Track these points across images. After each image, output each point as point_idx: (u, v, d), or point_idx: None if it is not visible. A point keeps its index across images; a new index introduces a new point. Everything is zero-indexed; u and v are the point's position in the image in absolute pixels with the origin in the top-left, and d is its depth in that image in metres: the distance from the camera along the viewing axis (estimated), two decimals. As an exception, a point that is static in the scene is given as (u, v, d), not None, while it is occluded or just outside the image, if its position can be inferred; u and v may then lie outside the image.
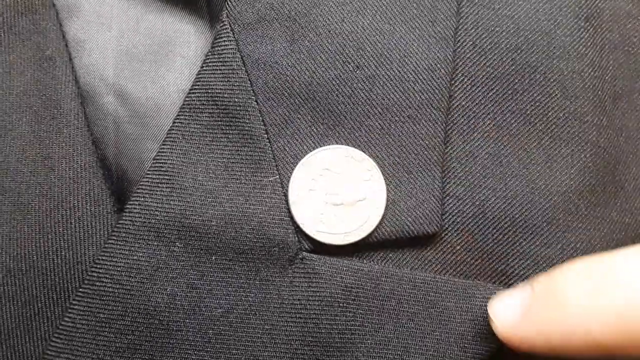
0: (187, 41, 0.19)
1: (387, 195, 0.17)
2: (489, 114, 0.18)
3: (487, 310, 0.17)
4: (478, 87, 0.18)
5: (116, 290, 0.16)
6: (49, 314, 0.17)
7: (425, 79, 0.17)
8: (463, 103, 0.18)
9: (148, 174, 0.17)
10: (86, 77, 0.19)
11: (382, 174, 0.17)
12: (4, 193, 0.17)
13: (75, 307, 0.16)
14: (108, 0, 0.20)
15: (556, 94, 0.17)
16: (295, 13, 0.18)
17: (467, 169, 0.18)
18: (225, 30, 0.17)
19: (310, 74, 0.17)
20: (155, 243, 0.17)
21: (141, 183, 0.17)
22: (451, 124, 0.18)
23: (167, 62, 0.19)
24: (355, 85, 0.17)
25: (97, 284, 0.16)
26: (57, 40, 0.18)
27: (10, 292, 0.17)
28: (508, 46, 0.18)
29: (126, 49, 0.19)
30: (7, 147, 0.17)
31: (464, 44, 0.18)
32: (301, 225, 0.17)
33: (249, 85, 0.17)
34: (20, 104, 0.18)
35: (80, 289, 0.17)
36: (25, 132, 0.18)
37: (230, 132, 0.17)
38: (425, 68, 0.17)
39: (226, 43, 0.17)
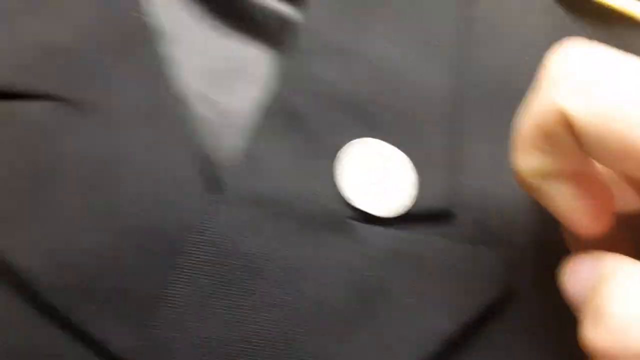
0: (256, 62, 0.24)
1: (416, 180, 0.22)
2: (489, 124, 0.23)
3: (491, 268, 0.21)
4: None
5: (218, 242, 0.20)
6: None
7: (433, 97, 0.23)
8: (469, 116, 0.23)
9: (243, 160, 0.21)
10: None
11: (411, 163, 0.22)
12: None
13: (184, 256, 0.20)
14: (184, 24, 0.24)
15: None
16: (346, 45, 0.23)
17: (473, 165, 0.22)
18: (299, 55, 0.23)
19: (356, 88, 0.23)
20: (247, 209, 0.20)
21: (235, 167, 0.21)
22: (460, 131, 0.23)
23: (240, 79, 0.24)
24: (386, 98, 0.23)
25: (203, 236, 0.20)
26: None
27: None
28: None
29: (200, 67, 0.24)
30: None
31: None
32: (348, 200, 0.21)
33: (314, 96, 0.22)
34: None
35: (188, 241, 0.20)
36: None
37: (298, 131, 0.22)
38: (433, 87, 0.23)
39: (298, 64, 0.23)
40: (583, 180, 0.18)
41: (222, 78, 0.24)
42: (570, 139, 0.16)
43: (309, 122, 0.22)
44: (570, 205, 0.18)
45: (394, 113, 0.23)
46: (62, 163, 0.20)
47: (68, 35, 0.22)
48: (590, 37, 0.21)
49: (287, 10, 0.24)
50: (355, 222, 0.21)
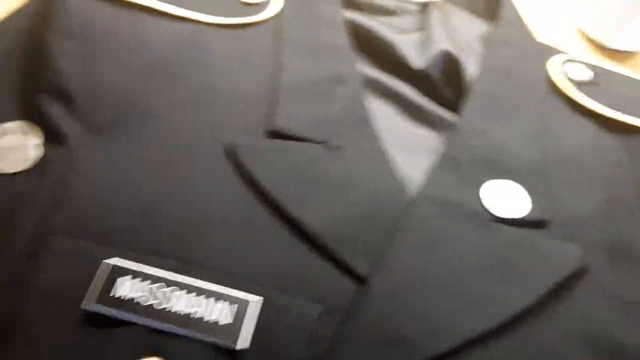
0: (431, 140, 0.42)
1: (530, 202, 0.37)
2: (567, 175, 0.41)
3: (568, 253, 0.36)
4: None
5: None
6: None
7: (531, 160, 0.41)
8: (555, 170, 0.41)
9: (426, 181, 0.38)
10: None
11: (526, 192, 0.37)
12: None
13: None
14: (387, 115, 0.42)
15: None
16: (482, 131, 0.41)
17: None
18: (458, 134, 0.41)
19: (490, 151, 0.40)
20: (432, 207, 0.36)
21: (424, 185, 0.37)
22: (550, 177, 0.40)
23: (421, 149, 0.41)
24: (508, 159, 0.40)
25: None
26: None
27: None
28: None
29: (397, 142, 0.41)
30: None
31: None
32: (489, 209, 0.37)
33: (467, 153, 0.39)
34: None
35: None
36: None
37: (458, 169, 0.38)
38: (532, 156, 0.42)
39: (457, 138, 0.40)
40: None
41: (411, 149, 0.41)
42: None
43: (464, 165, 0.38)
44: None
45: (512, 166, 0.39)
46: (325, 175, 0.36)
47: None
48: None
49: (447, 113, 0.42)
50: (493, 222, 0.36)
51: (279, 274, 0.31)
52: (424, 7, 0.50)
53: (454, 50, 0.44)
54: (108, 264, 0.29)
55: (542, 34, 0.50)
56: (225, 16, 0.42)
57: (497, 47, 0.46)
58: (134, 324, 0.28)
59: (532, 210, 0.37)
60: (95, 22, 0.38)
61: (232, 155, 0.35)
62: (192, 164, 0.35)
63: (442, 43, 0.45)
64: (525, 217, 0.36)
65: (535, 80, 0.45)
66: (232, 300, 0.29)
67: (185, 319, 0.28)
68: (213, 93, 0.39)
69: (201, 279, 0.30)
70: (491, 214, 0.36)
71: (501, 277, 0.34)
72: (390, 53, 0.45)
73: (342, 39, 0.44)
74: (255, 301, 0.29)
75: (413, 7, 0.50)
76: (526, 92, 0.44)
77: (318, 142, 0.37)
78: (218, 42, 0.41)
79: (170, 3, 0.41)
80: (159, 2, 0.41)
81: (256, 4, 0.44)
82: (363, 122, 0.39)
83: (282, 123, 0.37)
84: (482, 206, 0.36)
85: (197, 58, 0.40)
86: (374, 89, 0.43)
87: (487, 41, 0.47)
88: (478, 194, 0.37)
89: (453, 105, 0.43)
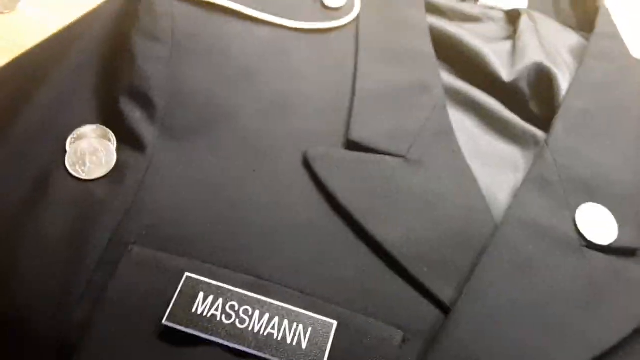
0: (515, 158, 0.40)
1: (618, 230, 0.35)
2: None
3: None
4: None
5: None
6: None
7: (627, 184, 0.39)
8: None
9: (513, 201, 0.36)
10: None
11: (615, 220, 0.35)
12: None
13: None
14: (468, 130, 0.41)
15: None
16: (573, 151, 0.38)
17: None
18: (547, 153, 0.38)
19: (583, 173, 0.38)
20: (519, 230, 0.34)
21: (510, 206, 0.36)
22: None
23: (504, 166, 0.39)
24: (600, 180, 0.37)
25: None
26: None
27: None
28: None
29: (477, 155, 0.39)
30: None
31: None
32: (583, 234, 0.34)
33: (558, 174, 0.37)
34: None
35: None
36: None
37: (548, 191, 0.36)
38: (626, 180, 0.39)
39: (546, 157, 0.38)
40: None
41: (493, 165, 0.39)
42: None
43: (555, 186, 0.36)
44: None
45: (604, 190, 0.37)
46: (405, 191, 0.34)
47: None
48: None
49: (534, 129, 0.40)
50: (585, 248, 0.34)
51: (356, 295, 0.30)
52: (511, 14, 0.47)
53: (547, 62, 0.42)
54: (188, 277, 0.28)
55: (635, 49, 0.47)
56: (307, 21, 0.41)
57: (593, 61, 0.43)
58: (213, 342, 0.27)
59: (620, 237, 0.35)
60: (181, 24, 0.37)
61: (309, 165, 0.34)
62: (270, 173, 0.34)
63: (534, 54, 0.43)
64: (613, 244, 0.34)
65: (632, 97, 0.42)
66: (310, 322, 0.28)
67: (265, 340, 0.27)
68: (294, 100, 0.37)
69: (277, 297, 0.29)
70: (585, 240, 0.34)
71: (593, 308, 0.32)
72: (476, 62, 0.43)
73: (427, 46, 0.42)
74: (335, 325, 0.28)
75: (499, 15, 0.47)
76: (622, 110, 0.41)
77: (397, 155, 0.36)
78: (299, 47, 0.40)
79: (253, 8, 0.40)
80: (243, 6, 0.40)
81: (338, 9, 0.43)
82: (446, 135, 0.37)
83: (358, 134, 0.36)
84: (576, 230, 0.34)
85: (279, 63, 0.39)
86: (454, 99, 0.41)
87: (581, 54, 0.44)
88: (573, 217, 0.35)
89: (541, 121, 0.41)
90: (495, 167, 0.38)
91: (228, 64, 0.37)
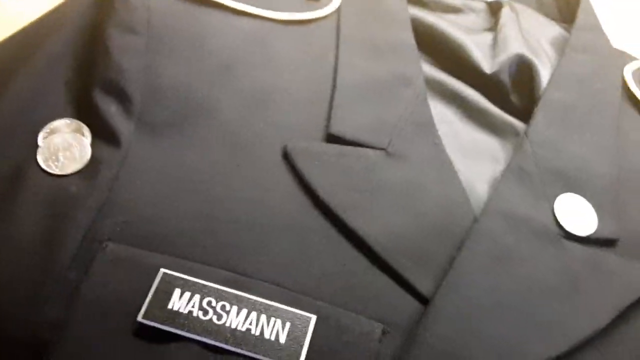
0: (494, 148, 0.40)
1: (597, 220, 0.35)
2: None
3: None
4: None
5: None
6: None
7: (604, 176, 0.39)
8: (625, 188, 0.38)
9: (493, 193, 0.36)
10: None
11: (594, 210, 0.35)
12: None
13: None
14: (449, 120, 0.40)
15: None
16: (552, 142, 0.39)
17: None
18: (526, 142, 0.38)
19: (561, 164, 0.38)
20: (500, 221, 0.34)
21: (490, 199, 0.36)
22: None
23: (482, 157, 0.39)
24: (578, 171, 0.37)
25: None
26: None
27: None
28: None
29: (458, 147, 0.39)
30: None
31: None
32: (561, 224, 0.34)
33: (536, 165, 0.37)
34: None
35: None
36: None
37: (527, 182, 0.36)
38: (604, 170, 0.39)
39: (525, 147, 0.37)
40: None
41: (473, 156, 0.38)
42: None
43: (534, 178, 0.36)
44: None
45: (583, 181, 0.37)
46: (386, 184, 0.34)
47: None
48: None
49: (515, 121, 0.40)
50: (564, 239, 0.34)
51: (336, 289, 0.30)
52: (493, 6, 0.47)
53: (528, 54, 0.42)
54: (164, 273, 0.28)
55: (615, 39, 0.47)
56: (288, 12, 0.40)
57: (574, 53, 0.43)
58: (189, 339, 0.27)
59: (599, 228, 0.35)
60: (157, 16, 0.36)
61: (289, 159, 0.34)
62: (250, 167, 0.33)
63: (515, 46, 0.43)
64: (592, 234, 0.34)
65: (611, 89, 0.42)
66: (289, 317, 0.28)
67: (242, 336, 0.27)
68: (274, 93, 0.37)
69: (256, 293, 0.28)
70: (563, 231, 0.34)
71: (572, 298, 0.32)
72: (458, 54, 0.43)
73: (409, 37, 0.42)
74: (314, 319, 0.28)
75: (480, 6, 0.47)
76: (602, 101, 0.41)
77: (378, 148, 0.35)
78: (280, 39, 0.40)
79: (233, -2, 0.39)
80: (222, -4, 0.39)
81: (319, 0, 0.42)
82: (427, 127, 0.37)
83: (338, 127, 0.35)
84: (555, 221, 0.34)
85: (259, 56, 0.38)
86: (435, 91, 0.41)
87: (562, 45, 0.44)
88: (552, 208, 0.35)
89: (521, 112, 0.41)
90: (476, 159, 0.38)
91: (207, 56, 0.37)
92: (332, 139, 0.35)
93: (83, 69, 0.35)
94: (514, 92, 0.42)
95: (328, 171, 0.34)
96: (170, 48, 0.35)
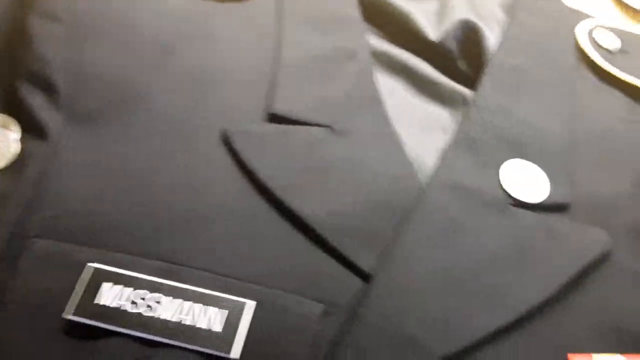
0: (443, 118, 0.39)
1: (549, 185, 0.34)
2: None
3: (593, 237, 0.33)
4: None
5: None
6: None
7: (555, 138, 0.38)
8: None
9: (439, 162, 0.35)
10: None
11: (545, 175, 0.35)
12: None
13: None
14: (398, 94, 0.39)
15: None
16: (501, 108, 0.38)
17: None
18: (473, 110, 0.37)
19: (510, 130, 0.37)
20: (446, 192, 0.33)
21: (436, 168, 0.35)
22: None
23: (433, 127, 0.38)
24: (527, 137, 0.36)
25: None
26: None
27: None
28: None
29: (408, 120, 0.38)
30: None
31: None
32: (509, 192, 0.34)
33: (483, 131, 0.36)
34: None
35: None
36: None
37: (474, 150, 0.35)
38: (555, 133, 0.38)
39: (472, 115, 0.37)
40: None
41: (423, 129, 0.38)
42: None
43: (482, 146, 0.35)
44: None
45: (534, 146, 0.36)
46: (330, 162, 0.33)
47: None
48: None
49: (463, 89, 0.39)
50: (512, 207, 0.33)
51: (276, 272, 0.29)
52: (441, -28, 0.46)
53: (475, 19, 0.41)
54: (91, 267, 0.27)
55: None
56: None
57: (523, 14, 0.42)
58: (120, 333, 0.26)
59: (552, 193, 0.34)
60: (82, 1, 0.35)
61: (228, 142, 0.33)
62: (188, 153, 0.32)
63: (461, 12, 0.41)
64: (544, 201, 0.34)
65: (563, 50, 0.41)
66: (224, 304, 0.27)
67: (175, 328, 0.26)
68: (213, 74, 0.36)
69: (191, 282, 0.27)
70: (511, 198, 0.33)
71: (520, 266, 0.31)
72: (403, 23, 0.42)
73: (353, 9, 0.41)
74: (250, 304, 0.27)
75: (428, -27, 0.46)
76: (553, 63, 0.40)
77: (322, 126, 0.34)
78: (218, 17, 0.38)
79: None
80: (151, -25, 0.38)
81: (258, -26, 0.41)
82: (373, 102, 0.36)
83: (281, 105, 0.35)
84: (502, 189, 0.33)
85: (195, 36, 0.37)
86: (382, 64, 0.40)
87: (511, 7, 0.43)
88: (497, 175, 0.34)
89: (471, 80, 0.40)
90: (425, 130, 0.37)
91: (139, 40, 0.35)
92: (275, 118, 0.34)
93: (6, 60, 0.34)
94: (462, 59, 0.41)
95: (269, 152, 0.33)
96: (97, 33, 0.34)
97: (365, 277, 0.29)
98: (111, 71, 0.34)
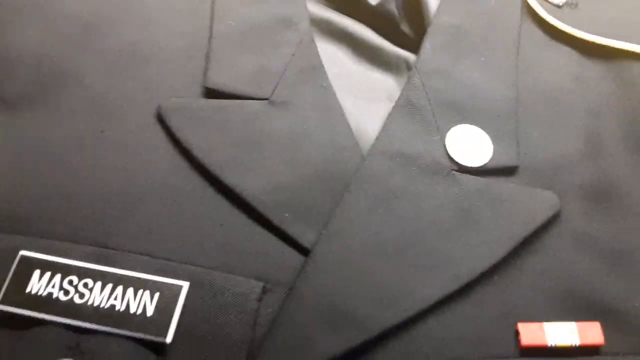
0: (387, 84, 0.38)
1: (493, 148, 0.34)
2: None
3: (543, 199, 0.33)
4: None
5: None
6: None
7: (500, 100, 0.38)
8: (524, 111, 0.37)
9: (381, 132, 0.34)
10: None
11: (489, 138, 0.34)
12: None
13: None
14: (340, 62, 0.39)
15: None
16: (445, 72, 0.37)
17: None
18: (416, 74, 0.36)
19: (453, 93, 0.36)
20: (387, 161, 0.33)
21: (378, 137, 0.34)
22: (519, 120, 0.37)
23: (377, 94, 0.38)
24: (472, 100, 0.36)
25: None
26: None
27: None
28: None
29: (349, 88, 0.37)
30: None
31: None
32: (453, 158, 0.33)
33: (427, 97, 0.35)
34: None
35: None
36: None
37: (417, 116, 0.34)
38: (500, 94, 0.38)
39: (415, 80, 0.35)
40: None
41: (367, 97, 0.37)
42: None
43: (424, 112, 0.34)
44: None
45: (477, 109, 0.35)
46: (268, 136, 0.33)
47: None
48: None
49: (407, 54, 0.38)
50: (456, 172, 0.33)
51: (214, 251, 0.29)
52: None
53: (414, -20, 0.40)
54: (23, 256, 0.27)
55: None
56: None
57: None
58: (51, 322, 0.25)
59: (494, 156, 0.33)
60: None
61: (162, 119, 0.32)
62: (120, 132, 0.32)
63: (400, -27, 0.40)
64: (486, 164, 0.33)
65: (507, 5, 0.40)
66: (157, 287, 0.27)
67: (106, 314, 0.26)
68: (146, 50, 0.35)
69: (124, 266, 0.27)
70: (455, 163, 0.33)
71: (464, 233, 0.31)
72: None
73: None
74: (186, 286, 0.27)
75: None
76: (496, 20, 0.39)
77: (260, 99, 0.34)
78: None
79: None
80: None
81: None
82: (315, 72, 0.35)
83: (215, 79, 0.34)
84: (447, 155, 0.33)
85: (125, 10, 0.36)
86: (323, 31, 0.39)
87: None
88: (442, 142, 0.33)
89: (414, 43, 0.39)
90: (370, 99, 0.37)
91: (64, 18, 0.34)
92: (210, 93, 0.33)
93: None
94: (404, 22, 0.40)
95: (204, 128, 0.32)
96: (16, 14, 0.33)
97: (306, 252, 0.29)
98: (33, 53, 0.33)
